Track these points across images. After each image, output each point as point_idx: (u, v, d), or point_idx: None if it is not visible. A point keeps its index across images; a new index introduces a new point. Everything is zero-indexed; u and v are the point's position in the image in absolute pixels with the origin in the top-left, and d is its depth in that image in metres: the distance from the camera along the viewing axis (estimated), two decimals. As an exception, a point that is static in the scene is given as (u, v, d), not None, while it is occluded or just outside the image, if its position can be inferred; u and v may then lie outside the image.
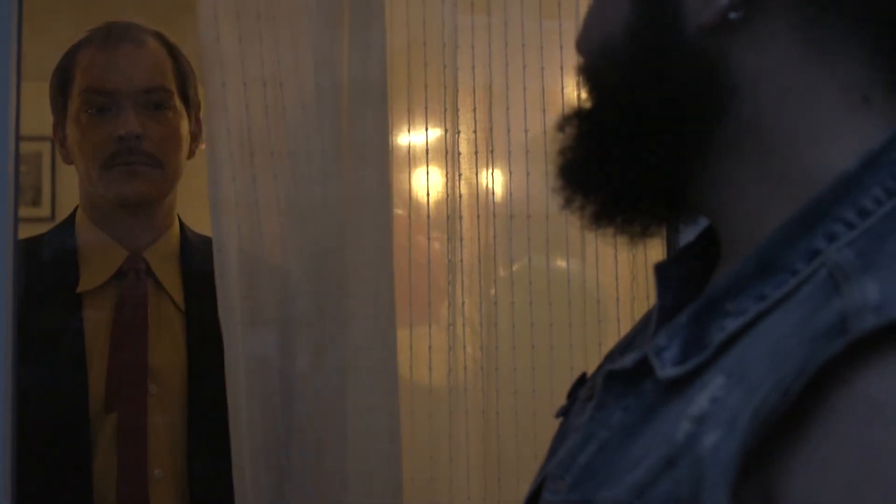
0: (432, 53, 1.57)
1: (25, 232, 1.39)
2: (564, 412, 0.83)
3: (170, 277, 1.62)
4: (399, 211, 1.58)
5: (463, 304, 1.57)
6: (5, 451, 1.15)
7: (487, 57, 1.58)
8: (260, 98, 1.51)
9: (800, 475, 0.56)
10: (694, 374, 0.64)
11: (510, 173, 1.58)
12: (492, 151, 1.57)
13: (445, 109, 1.57)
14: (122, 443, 1.52)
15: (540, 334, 1.57)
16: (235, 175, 1.50)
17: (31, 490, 1.31)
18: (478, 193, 1.59)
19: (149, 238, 1.63)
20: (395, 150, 1.58)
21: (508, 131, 1.57)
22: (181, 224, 1.69)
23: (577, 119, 0.75)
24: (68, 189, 2.10)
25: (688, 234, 0.81)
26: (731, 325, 0.64)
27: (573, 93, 1.52)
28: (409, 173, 1.60)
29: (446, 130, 1.57)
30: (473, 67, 1.57)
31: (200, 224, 1.68)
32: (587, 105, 0.75)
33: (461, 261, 1.57)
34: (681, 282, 0.78)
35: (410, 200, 1.59)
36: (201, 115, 1.66)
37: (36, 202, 3.23)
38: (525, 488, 0.79)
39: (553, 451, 0.79)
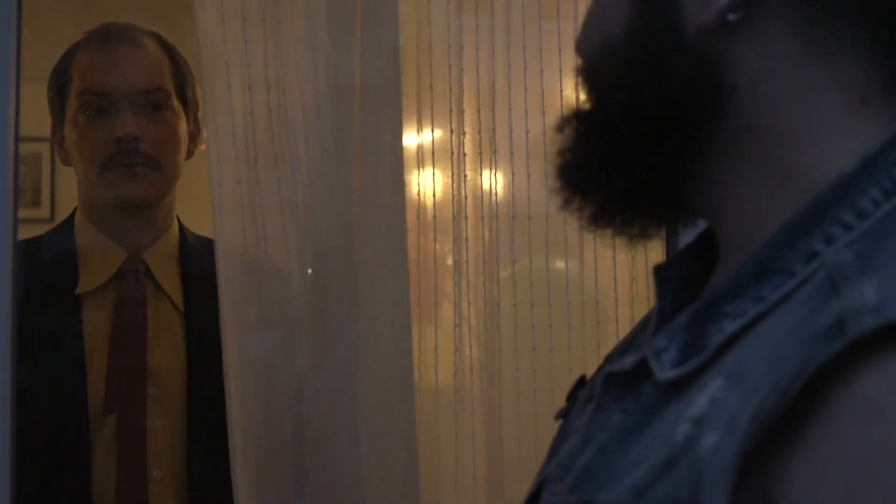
0: (438, 54, 1.57)
1: (25, 233, 1.39)
2: (564, 414, 0.83)
3: (169, 279, 1.62)
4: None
5: (469, 305, 1.57)
6: (5, 452, 1.15)
7: (490, 58, 1.58)
8: (264, 100, 1.51)
9: (799, 476, 0.56)
10: (693, 376, 0.64)
11: (512, 174, 1.58)
12: (495, 152, 1.58)
13: (451, 110, 1.57)
14: (121, 444, 1.52)
15: (541, 336, 1.57)
16: (240, 178, 1.50)
17: (31, 491, 1.31)
18: (482, 194, 1.59)
19: (148, 239, 1.63)
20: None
21: (511, 132, 1.57)
22: (180, 225, 1.68)
23: (576, 120, 0.75)
24: (68, 190, 2.10)
25: (687, 236, 0.81)
26: (730, 326, 0.64)
27: (572, 95, 1.53)
28: (415, 174, 1.60)
29: (451, 131, 1.57)
30: (478, 69, 1.57)
31: (200, 225, 1.68)
32: (586, 106, 0.75)
33: (467, 262, 1.58)
34: (680, 284, 0.78)
35: (419, 201, 1.59)
36: (200, 115, 1.66)
37: (35, 203, 3.23)
38: (527, 490, 0.79)
39: (552, 452, 0.79)
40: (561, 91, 1.57)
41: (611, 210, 0.75)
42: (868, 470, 0.53)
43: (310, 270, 1.54)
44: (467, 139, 1.57)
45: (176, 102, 1.62)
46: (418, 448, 1.55)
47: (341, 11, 1.53)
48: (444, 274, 1.58)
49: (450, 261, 1.58)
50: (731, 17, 0.66)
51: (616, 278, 1.58)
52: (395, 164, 1.53)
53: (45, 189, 3.24)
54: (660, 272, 0.79)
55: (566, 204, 0.76)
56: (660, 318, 0.77)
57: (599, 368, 0.80)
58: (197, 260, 1.61)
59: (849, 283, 0.58)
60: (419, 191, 1.59)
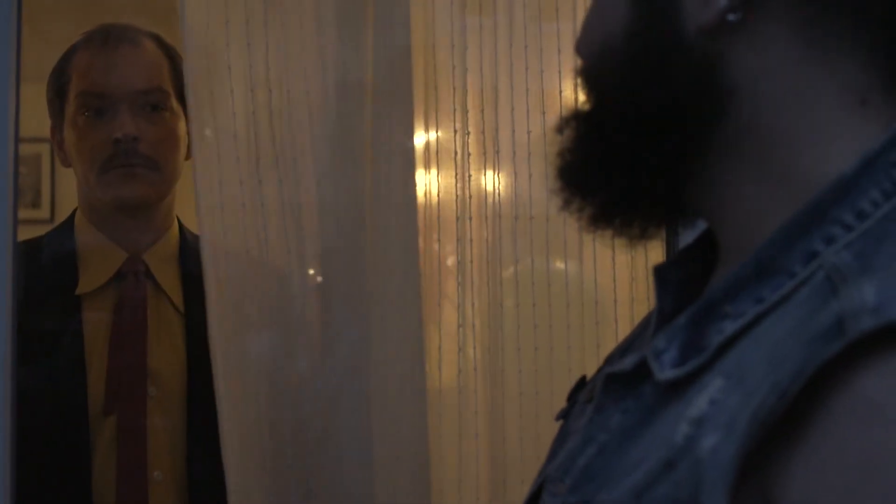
0: (442, 54, 1.57)
1: (25, 234, 1.40)
2: (564, 415, 0.83)
3: (169, 279, 1.62)
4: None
5: (473, 304, 1.57)
6: (5, 452, 1.15)
7: (493, 58, 1.58)
8: (265, 101, 1.51)
9: (798, 477, 0.56)
10: (692, 377, 0.64)
11: (515, 175, 1.58)
12: (498, 152, 1.58)
13: (455, 110, 1.57)
14: (121, 445, 1.52)
15: (543, 336, 1.57)
16: (243, 179, 1.50)
17: (31, 492, 1.31)
18: (485, 194, 1.59)
19: (148, 240, 1.63)
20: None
21: (513, 132, 1.57)
22: (180, 225, 1.68)
23: (576, 121, 0.75)
24: (68, 191, 2.10)
25: (687, 237, 0.81)
26: (730, 327, 0.64)
27: (571, 96, 1.53)
28: (420, 174, 1.60)
29: (455, 131, 1.57)
30: (481, 69, 1.58)
31: (200, 225, 1.68)
32: (586, 107, 0.75)
33: (471, 262, 1.58)
34: (680, 284, 0.78)
35: (424, 201, 1.60)
36: (199, 116, 1.65)
37: (35, 204, 3.22)
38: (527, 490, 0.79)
39: (553, 453, 0.79)
40: (560, 92, 1.57)
41: (610, 211, 0.75)
42: (868, 470, 0.53)
43: (311, 271, 1.53)
44: (471, 139, 1.57)
45: (175, 103, 1.62)
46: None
47: (352, 13, 1.53)
48: (447, 274, 1.58)
49: (452, 261, 1.58)
50: (731, 17, 0.66)
51: (615, 279, 1.58)
52: (406, 164, 1.53)
53: (45, 190, 3.23)
54: (660, 273, 0.79)
55: (566, 204, 0.76)
56: (660, 318, 0.77)
57: (599, 369, 0.80)
58: (197, 260, 1.61)
59: (848, 283, 0.58)
60: (425, 191, 1.60)
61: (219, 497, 1.48)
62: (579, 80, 0.76)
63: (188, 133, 1.62)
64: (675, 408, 0.63)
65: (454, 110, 1.57)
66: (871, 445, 0.54)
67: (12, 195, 1.17)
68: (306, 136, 1.52)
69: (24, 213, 1.42)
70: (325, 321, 1.54)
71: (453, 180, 1.58)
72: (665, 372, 0.66)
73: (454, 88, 1.57)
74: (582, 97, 0.76)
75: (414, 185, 1.54)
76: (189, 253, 1.64)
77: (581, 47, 0.77)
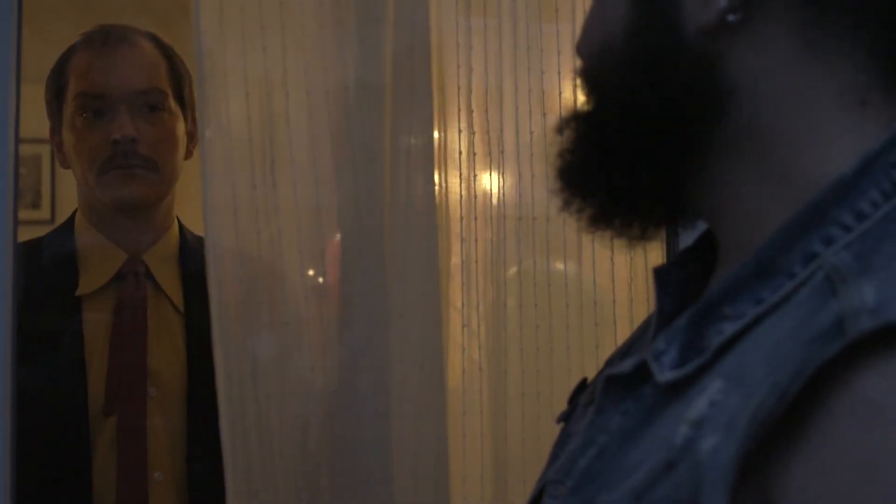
0: (447, 55, 1.57)
1: (25, 234, 1.39)
2: (565, 417, 0.83)
3: (169, 280, 1.62)
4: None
5: (478, 304, 1.57)
6: (5, 453, 1.15)
7: (497, 59, 1.58)
8: (267, 102, 1.51)
9: (799, 478, 0.56)
10: (692, 378, 0.64)
11: (519, 175, 1.58)
12: (502, 152, 1.58)
13: (459, 110, 1.57)
14: (121, 445, 1.52)
15: (544, 337, 1.57)
16: (256, 182, 1.49)
17: (31, 492, 1.31)
18: (491, 195, 1.59)
19: (148, 240, 1.63)
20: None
21: (517, 133, 1.57)
22: (180, 226, 1.68)
23: (576, 121, 0.75)
24: (68, 192, 2.10)
25: (687, 238, 0.81)
26: (729, 328, 0.64)
27: (571, 97, 1.53)
28: (429, 175, 1.60)
29: (460, 131, 1.57)
30: (486, 69, 1.58)
31: (200, 225, 1.68)
32: (586, 107, 0.75)
33: (476, 262, 1.58)
34: (680, 286, 0.78)
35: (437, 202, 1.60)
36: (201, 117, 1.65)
37: (35, 205, 3.22)
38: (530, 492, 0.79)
39: (554, 456, 0.79)
40: (559, 93, 1.57)
41: (610, 211, 0.75)
42: (868, 470, 0.53)
43: (321, 275, 1.53)
44: (476, 139, 1.57)
45: (173, 103, 1.62)
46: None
47: (371, 15, 1.53)
48: (453, 274, 1.58)
49: (456, 261, 1.58)
50: (730, 17, 0.66)
51: (614, 280, 1.58)
52: (425, 164, 1.53)
53: (46, 191, 3.23)
54: (660, 274, 0.79)
55: (566, 205, 0.76)
56: (660, 320, 0.77)
57: (600, 372, 0.80)
58: (197, 260, 1.61)
59: (847, 284, 0.58)
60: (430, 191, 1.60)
61: (219, 497, 1.48)
62: (579, 81, 0.76)
63: (196, 135, 1.62)
64: (674, 409, 0.63)
65: (459, 110, 1.57)
66: (872, 446, 0.54)
67: (12, 196, 1.17)
68: (326, 137, 1.52)
69: (24, 214, 1.42)
70: (343, 321, 1.54)
71: (458, 180, 1.58)
72: (665, 373, 0.66)
73: (459, 88, 1.57)
74: (582, 98, 0.76)
75: (433, 185, 1.54)
76: (189, 253, 1.64)
77: (581, 48, 0.77)
